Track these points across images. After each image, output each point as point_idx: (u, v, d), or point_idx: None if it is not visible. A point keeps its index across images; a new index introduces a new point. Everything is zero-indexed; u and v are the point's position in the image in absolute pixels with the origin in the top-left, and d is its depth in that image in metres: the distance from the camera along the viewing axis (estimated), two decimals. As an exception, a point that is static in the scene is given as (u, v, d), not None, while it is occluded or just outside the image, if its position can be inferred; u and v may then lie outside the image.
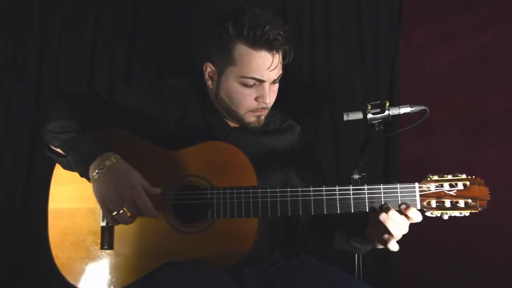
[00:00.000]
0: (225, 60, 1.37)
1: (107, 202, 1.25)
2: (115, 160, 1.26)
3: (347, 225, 1.39)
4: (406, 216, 1.21)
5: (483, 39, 2.05)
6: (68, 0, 2.18)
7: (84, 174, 1.28)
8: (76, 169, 1.30)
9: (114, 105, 1.45)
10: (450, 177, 1.23)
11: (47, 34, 2.16)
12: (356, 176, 1.36)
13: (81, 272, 1.34)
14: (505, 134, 1.97)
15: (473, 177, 1.23)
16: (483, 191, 1.22)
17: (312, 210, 1.28)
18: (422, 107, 1.46)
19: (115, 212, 1.25)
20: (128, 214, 1.28)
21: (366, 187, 1.26)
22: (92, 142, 1.29)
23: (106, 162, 1.24)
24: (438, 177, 1.23)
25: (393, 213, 1.20)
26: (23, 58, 2.15)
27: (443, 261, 2.05)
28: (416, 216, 1.21)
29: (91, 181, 1.27)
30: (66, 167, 1.34)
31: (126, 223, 1.29)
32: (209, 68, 1.44)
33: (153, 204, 1.29)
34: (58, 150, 1.33)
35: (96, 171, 1.24)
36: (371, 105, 1.44)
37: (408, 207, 1.21)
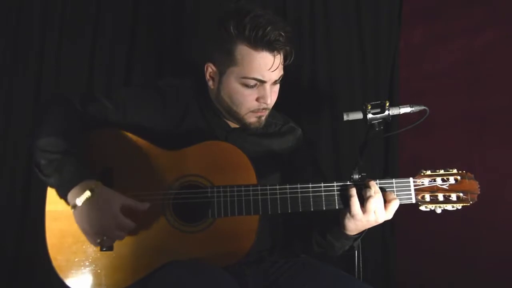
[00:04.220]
0: (226, 60, 1.36)
1: (90, 233, 1.26)
2: (96, 189, 1.24)
3: (326, 221, 1.41)
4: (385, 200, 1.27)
5: (483, 39, 2.04)
6: (68, 0, 2.18)
7: (63, 198, 1.27)
8: (56, 191, 1.29)
9: (113, 109, 1.44)
10: (442, 172, 1.31)
11: (47, 34, 2.16)
12: (356, 176, 1.35)
13: (79, 274, 1.33)
14: (505, 134, 1.97)
15: (464, 171, 1.30)
16: (473, 185, 1.29)
17: (311, 206, 1.31)
18: (422, 107, 1.46)
19: (99, 240, 1.26)
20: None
21: (362, 182, 1.29)
22: (74, 167, 1.26)
23: (86, 193, 1.23)
24: (431, 172, 1.31)
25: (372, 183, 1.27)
26: (23, 58, 2.14)
27: (443, 261, 2.05)
28: (393, 200, 1.26)
29: (71, 209, 1.25)
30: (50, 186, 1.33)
31: (110, 245, 1.31)
32: (210, 69, 1.43)
33: (152, 204, 1.31)
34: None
35: (77, 200, 1.23)
36: (371, 105, 1.44)
37: (384, 190, 1.28)
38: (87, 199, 1.23)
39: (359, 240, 1.41)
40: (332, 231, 1.38)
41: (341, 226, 1.33)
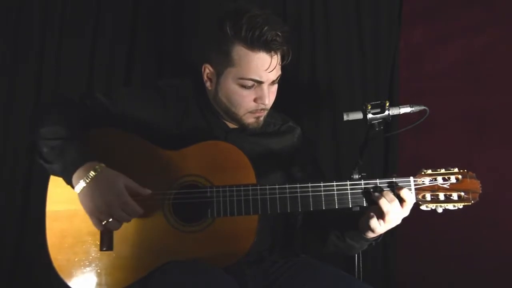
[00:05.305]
0: (223, 61, 1.36)
1: (95, 213, 1.25)
2: (99, 169, 1.25)
3: (341, 222, 1.40)
4: (400, 198, 1.25)
5: (483, 39, 2.05)
6: (68, 0, 2.18)
7: (69, 182, 1.28)
8: (61, 176, 1.29)
9: (112, 108, 1.44)
10: (443, 171, 1.29)
11: (47, 34, 2.16)
12: (356, 176, 1.36)
13: (80, 274, 1.33)
14: (504, 134, 1.97)
15: (465, 170, 1.29)
16: (475, 184, 1.28)
17: (311, 206, 1.31)
18: (422, 107, 1.46)
19: (105, 222, 1.25)
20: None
21: (362, 181, 1.30)
22: (77, 151, 1.27)
23: (90, 173, 1.24)
24: (432, 171, 1.30)
25: (387, 193, 1.25)
26: (23, 58, 2.14)
27: (443, 261, 2.05)
28: (408, 197, 1.25)
29: (76, 192, 1.26)
30: (55, 173, 1.33)
31: (116, 229, 1.30)
32: (207, 70, 1.43)
33: (151, 204, 1.31)
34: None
35: (81, 181, 1.24)
36: (371, 105, 1.44)
37: (400, 188, 1.26)
38: (91, 179, 1.23)
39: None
40: (351, 234, 1.37)
41: (361, 232, 1.32)
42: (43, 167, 1.32)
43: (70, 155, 1.26)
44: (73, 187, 1.27)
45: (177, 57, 2.20)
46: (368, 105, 1.44)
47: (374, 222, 1.26)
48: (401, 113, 1.46)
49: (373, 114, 1.43)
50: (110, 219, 1.25)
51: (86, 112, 1.41)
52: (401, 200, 1.25)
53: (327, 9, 2.22)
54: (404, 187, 1.26)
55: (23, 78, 2.13)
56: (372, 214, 1.26)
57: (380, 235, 1.34)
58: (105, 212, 1.24)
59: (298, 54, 2.16)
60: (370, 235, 1.31)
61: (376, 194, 1.26)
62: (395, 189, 1.27)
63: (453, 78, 2.11)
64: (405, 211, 1.27)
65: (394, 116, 1.45)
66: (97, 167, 1.25)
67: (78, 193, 1.26)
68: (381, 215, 1.25)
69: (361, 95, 2.20)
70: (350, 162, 1.47)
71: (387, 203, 1.24)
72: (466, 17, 2.09)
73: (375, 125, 1.44)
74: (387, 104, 1.43)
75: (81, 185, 1.24)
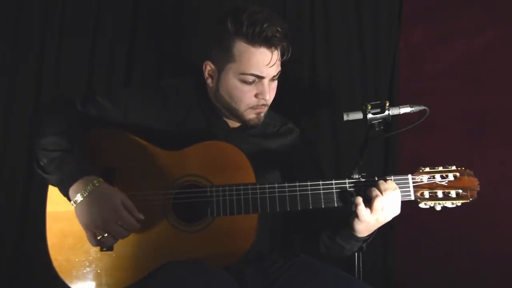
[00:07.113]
0: (224, 57, 1.38)
1: (91, 227, 1.25)
2: (97, 184, 1.25)
3: (334, 222, 1.41)
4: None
5: (483, 39, 2.05)
6: (68, 0, 2.18)
7: (65, 195, 1.28)
8: (58, 188, 1.30)
9: (114, 109, 1.44)
10: (441, 168, 1.31)
11: (47, 34, 2.16)
12: (356, 176, 1.36)
13: (80, 274, 1.33)
14: (505, 134, 1.97)
15: (463, 168, 1.31)
16: (473, 182, 1.29)
17: (310, 204, 1.32)
18: (422, 107, 1.46)
19: (100, 237, 1.26)
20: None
21: (361, 180, 1.31)
22: (76, 163, 1.28)
23: (88, 187, 1.24)
24: (430, 169, 1.32)
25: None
26: (23, 58, 2.14)
27: (443, 261, 2.05)
28: (391, 185, 1.27)
29: (72, 205, 1.26)
30: (52, 184, 1.33)
31: (111, 245, 1.30)
32: (209, 67, 1.44)
33: (152, 204, 1.31)
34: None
35: (78, 195, 1.24)
36: (371, 105, 1.44)
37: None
38: (89, 193, 1.24)
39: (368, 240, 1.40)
40: (342, 233, 1.38)
41: (351, 228, 1.32)
42: (41, 176, 1.32)
43: (69, 168, 1.27)
44: (69, 200, 1.27)
45: (177, 57, 2.20)
46: (368, 105, 1.44)
47: (361, 209, 1.26)
48: (401, 113, 1.46)
49: (373, 114, 1.43)
50: (106, 234, 1.25)
51: (86, 114, 1.42)
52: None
53: (327, 9, 2.23)
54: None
55: (23, 78, 2.13)
56: (359, 199, 1.27)
57: (370, 235, 1.36)
58: (101, 227, 1.25)
59: (298, 54, 2.16)
60: (359, 227, 1.30)
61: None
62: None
63: (453, 78, 2.11)
64: (393, 204, 1.27)
65: (394, 116, 1.45)
66: (95, 181, 1.26)
67: (75, 207, 1.26)
68: (368, 202, 1.26)
69: (361, 95, 2.20)
70: (350, 162, 1.47)
71: (375, 189, 1.27)
72: (466, 17, 2.09)
73: (375, 125, 1.44)
74: (387, 104, 1.43)
75: (77, 198, 1.25)
